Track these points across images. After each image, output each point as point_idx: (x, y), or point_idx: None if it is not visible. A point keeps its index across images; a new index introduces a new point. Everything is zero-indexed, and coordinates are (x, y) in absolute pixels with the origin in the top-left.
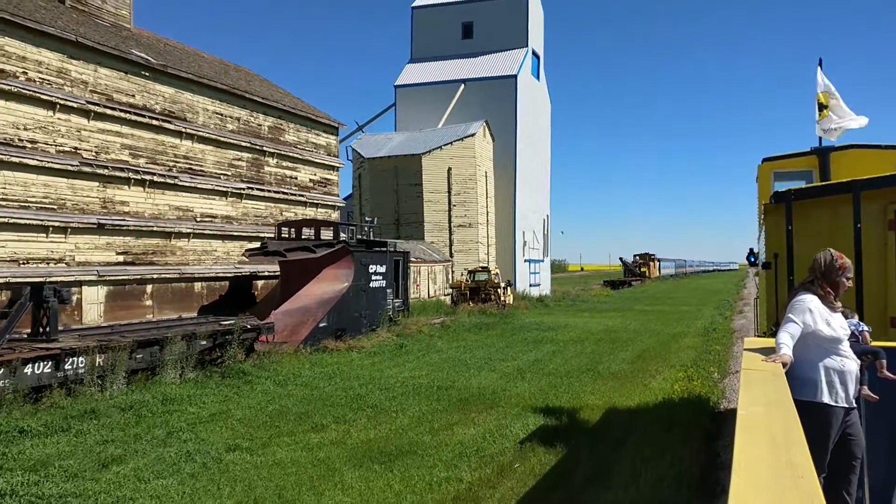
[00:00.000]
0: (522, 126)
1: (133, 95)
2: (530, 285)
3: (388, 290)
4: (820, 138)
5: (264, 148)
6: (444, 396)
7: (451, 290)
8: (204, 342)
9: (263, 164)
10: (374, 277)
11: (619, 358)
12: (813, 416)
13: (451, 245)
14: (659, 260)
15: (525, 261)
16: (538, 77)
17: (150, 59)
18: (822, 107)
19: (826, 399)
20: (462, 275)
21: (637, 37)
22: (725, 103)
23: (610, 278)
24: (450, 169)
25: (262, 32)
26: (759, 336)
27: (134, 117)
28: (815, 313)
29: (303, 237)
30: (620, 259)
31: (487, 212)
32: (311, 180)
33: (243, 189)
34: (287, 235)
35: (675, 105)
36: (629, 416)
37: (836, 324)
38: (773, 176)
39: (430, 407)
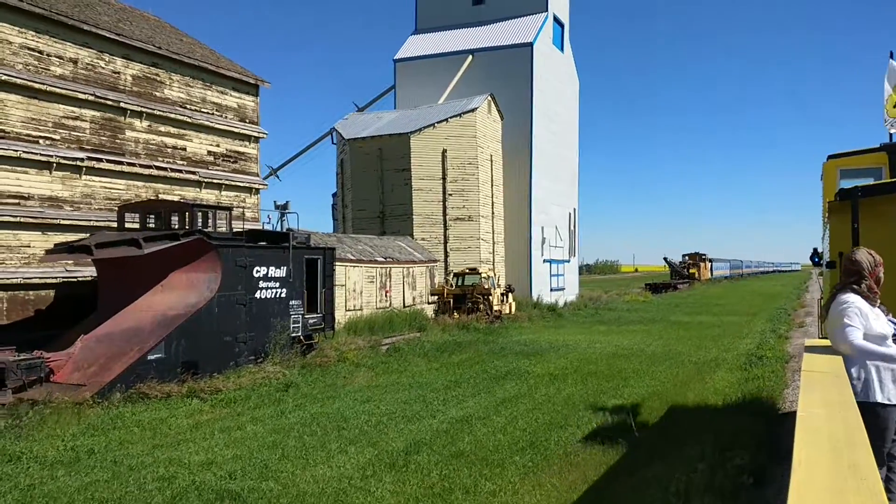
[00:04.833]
0: (540, 103)
1: None
2: (551, 289)
3: (294, 303)
4: (891, 134)
5: (124, 104)
6: None
7: (434, 298)
8: None
9: (124, 126)
10: (262, 284)
11: (600, 417)
12: (868, 416)
13: (445, 242)
14: (710, 260)
15: (544, 261)
16: (562, 48)
17: None
18: None
19: (879, 398)
20: (446, 278)
21: (690, 9)
22: (794, 89)
23: (655, 281)
24: (445, 151)
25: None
26: (822, 338)
27: None
28: (864, 313)
29: (172, 226)
30: (665, 259)
31: (493, 203)
32: (210, 153)
33: (82, 160)
34: (139, 224)
35: (739, 90)
36: None
37: (882, 320)
38: (839, 174)
39: None
